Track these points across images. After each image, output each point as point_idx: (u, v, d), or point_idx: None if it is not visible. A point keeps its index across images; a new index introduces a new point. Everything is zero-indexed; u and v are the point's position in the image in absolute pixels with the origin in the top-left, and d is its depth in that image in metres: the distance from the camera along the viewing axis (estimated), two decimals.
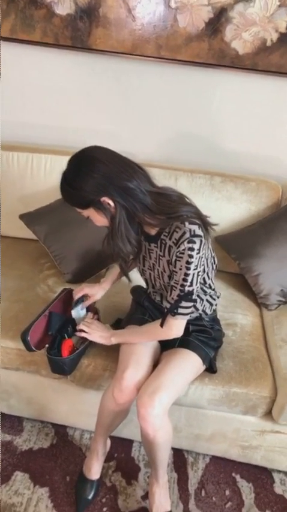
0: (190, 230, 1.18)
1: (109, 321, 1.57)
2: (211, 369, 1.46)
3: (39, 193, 1.96)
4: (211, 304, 1.45)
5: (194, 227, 1.19)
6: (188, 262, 1.19)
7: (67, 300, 1.52)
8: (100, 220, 1.23)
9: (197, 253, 1.18)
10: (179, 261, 1.21)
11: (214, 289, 1.44)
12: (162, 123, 2.03)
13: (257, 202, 1.90)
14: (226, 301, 1.79)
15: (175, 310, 1.25)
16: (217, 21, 1.78)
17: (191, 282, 1.22)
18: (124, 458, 1.66)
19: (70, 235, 1.81)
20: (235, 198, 1.90)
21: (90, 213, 1.22)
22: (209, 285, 1.40)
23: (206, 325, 1.46)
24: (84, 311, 1.51)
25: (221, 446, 1.62)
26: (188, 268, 1.19)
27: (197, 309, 1.42)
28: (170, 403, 1.28)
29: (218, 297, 1.48)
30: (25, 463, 1.60)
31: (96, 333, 1.41)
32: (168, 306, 1.28)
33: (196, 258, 1.19)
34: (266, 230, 1.81)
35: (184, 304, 1.24)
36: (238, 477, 1.64)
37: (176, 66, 1.90)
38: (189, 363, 1.37)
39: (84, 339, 1.44)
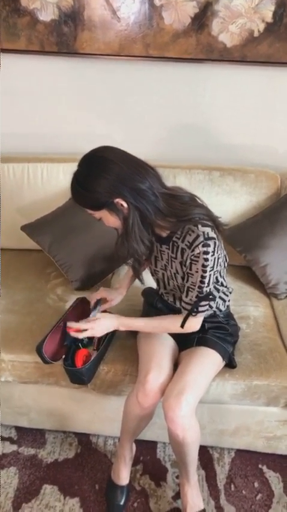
0: (204, 233, 1.18)
1: None
2: (230, 364, 1.46)
3: (38, 203, 1.94)
4: (224, 301, 1.45)
5: (207, 229, 1.19)
6: (204, 266, 1.19)
7: (81, 309, 1.50)
8: (113, 221, 1.21)
9: (212, 256, 1.19)
10: (195, 264, 1.21)
11: (226, 286, 1.44)
12: (155, 122, 2.03)
13: (258, 193, 1.90)
14: (236, 294, 1.79)
15: (195, 310, 1.27)
16: (203, 15, 1.78)
17: (208, 283, 1.23)
18: (150, 460, 1.65)
19: (74, 243, 1.79)
20: (235, 191, 1.90)
21: (103, 214, 1.20)
22: (221, 282, 1.40)
23: (222, 321, 1.46)
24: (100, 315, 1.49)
25: (246, 439, 1.62)
26: (204, 271, 1.20)
27: (211, 307, 1.42)
28: (196, 402, 1.28)
29: (230, 293, 1.48)
30: (52, 476, 1.59)
31: (100, 329, 1.32)
32: (184, 305, 1.29)
33: (211, 260, 1.19)
34: (270, 220, 1.81)
35: (203, 303, 1.27)
36: (264, 468, 1.64)
37: (165, 64, 1.89)
38: (209, 360, 1.37)
39: (97, 346, 1.43)
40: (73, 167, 1.99)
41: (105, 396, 1.55)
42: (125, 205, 1.16)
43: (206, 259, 1.18)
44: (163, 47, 1.85)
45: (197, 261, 1.20)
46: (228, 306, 1.50)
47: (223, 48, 1.83)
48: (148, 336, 1.43)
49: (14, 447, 1.69)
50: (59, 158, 1.94)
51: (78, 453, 1.68)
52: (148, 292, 1.58)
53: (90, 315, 1.40)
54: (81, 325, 1.31)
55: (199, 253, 1.18)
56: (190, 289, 1.26)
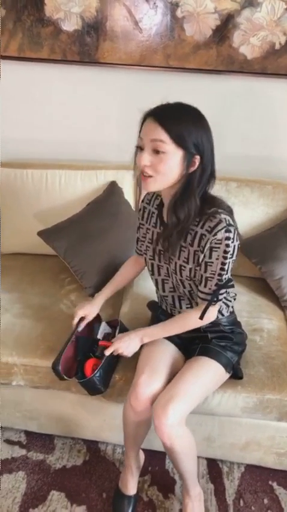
0: (225, 219, 1.19)
1: None
2: (236, 374, 1.43)
3: (55, 209, 1.96)
4: (228, 306, 1.42)
5: (228, 217, 1.20)
6: (225, 252, 1.19)
7: (91, 322, 1.50)
8: (171, 167, 1.15)
9: (233, 243, 1.19)
10: (216, 250, 1.20)
11: (228, 292, 1.40)
12: None
13: (275, 205, 1.89)
14: (250, 306, 1.78)
15: (215, 299, 1.26)
16: (224, 27, 1.79)
17: (227, 270, 1.23)
18: (159, 471, 1.64)
19: (90, 249, 1.80)
20: (251, 202, 1.89)
21: (173, 155, 1.14)
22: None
23: (225, 330, 1.43)
24: (107, 328, 1.49)
25: (256, 454, 1.60)
26: (225, 258, 1.20)
27: (227, 300, 1.41)
28: (186, 412, 1.27)
29: (234, 299, 1.47)
30: (60, 482, 1.59)
31: (127, 349, 1.36)
32: (203, 296, 1.27)
33: (232, 247, 1.20)
34: (286, 233, 1.80)
35: (221, 291, 1.26)
36: (275, 485, 1.61)
37: (185, 75, 1.90)
38: (208, 371, 1.35)
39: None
40: (91, 175, 2.01)
41: (115, 404, 1.54)
42: (197, 164, 1.16)
43: (228, 245, 1.18)
44: (184, 58, 1.86)
45: (218, 248, 1.19)
46: (232, 313, 1.47)
47: (244, 60, 1.84)
48: (150, 343, 1.41)
49: (23, 451, 1.69)
50: (77, 165, 1.96)
51: (87, 460, 1.67)
52: (152, 305, 1.58)
53: (98, 337, 1.44)
54: (110, 349, 1.35)
55: (221, 239, 1.18)
56: (209, 278, 1.24)
